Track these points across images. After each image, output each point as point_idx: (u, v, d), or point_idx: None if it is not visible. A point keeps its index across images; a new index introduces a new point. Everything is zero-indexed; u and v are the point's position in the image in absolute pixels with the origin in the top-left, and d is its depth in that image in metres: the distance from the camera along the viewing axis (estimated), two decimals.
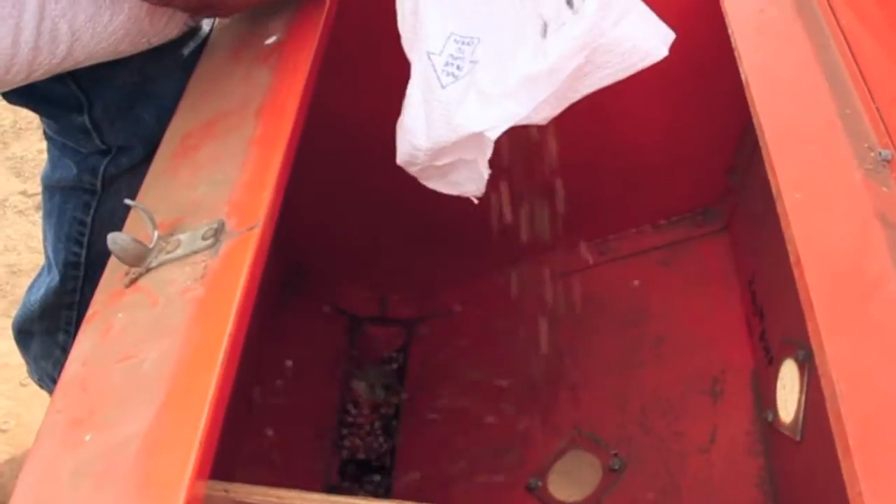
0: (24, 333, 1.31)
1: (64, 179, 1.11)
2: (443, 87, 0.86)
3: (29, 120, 2.32)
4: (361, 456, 1.33)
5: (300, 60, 0.90)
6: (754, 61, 0.82)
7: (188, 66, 0.99)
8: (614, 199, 1.34)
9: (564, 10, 0.83)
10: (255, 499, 0.77)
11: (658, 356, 1.30)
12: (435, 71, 0.86)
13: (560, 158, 1.17)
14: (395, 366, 1.43)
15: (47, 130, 1.12)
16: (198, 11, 0.96)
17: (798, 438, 1.01)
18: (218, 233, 0.74)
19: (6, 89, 0.90)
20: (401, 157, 0.90)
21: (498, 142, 0.86)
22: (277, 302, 1.29)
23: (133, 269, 0.75)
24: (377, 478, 1.31)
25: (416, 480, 1.29)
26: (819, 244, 0.67)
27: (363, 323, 1.45)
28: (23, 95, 0.97)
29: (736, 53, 0.84)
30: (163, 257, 0.75)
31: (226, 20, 1.03)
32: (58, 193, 1.14)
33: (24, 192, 2.16)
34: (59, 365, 1.26)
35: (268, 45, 0.95)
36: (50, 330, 1.26)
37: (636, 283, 1.36)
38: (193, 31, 1.02)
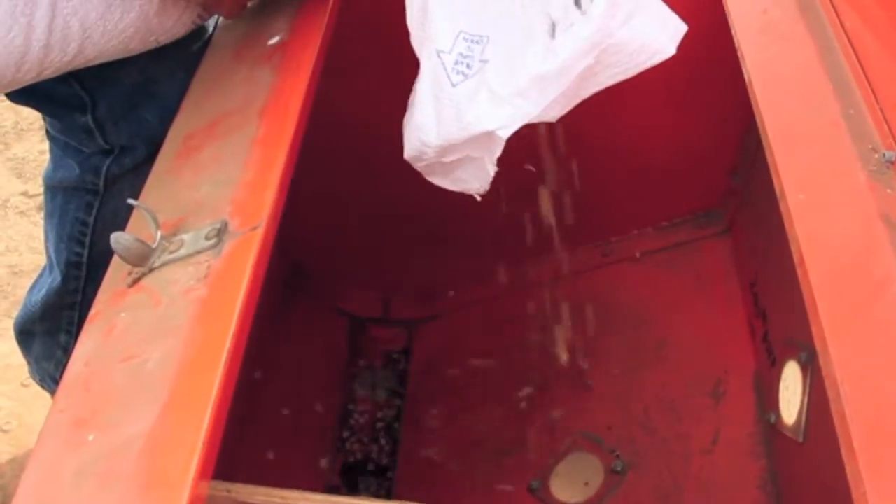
0: (26, 334, 1.30)
1: (66, 179, 1.11)
2: (453, 85, 0.86)
3: (30, 121, 2.32)
4: (363, 457, 1.33)
5: (303, 60, 0.90)
6: (758, 62, 0.82)
7: (191, 67, 0.99)
8: (616, 200, 1.34)
9: (573, 10, 0.84)
10: (257, 499, 0.77)
11: (660, 358, 1.30)
12: (445, 69, 0.87)
13: (563, 160, 1.17)
14: (397, 367, 1.42)
15: (50, 130, 1.12)
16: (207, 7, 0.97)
17: (801, 440, 1.01)
18: (221, 233, 0.74)
19: (17, 87, 0.90)
20: (409, 153, 0.91)
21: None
22: (279, 303, 1.29)
23: (136, 269, 0.75)
24: (378, 479, 1.31)
25: (418, 482, 1.28)
26: (823, 245, 0.66)
27: (365, 324, 1.45)
28: (26, 95, 0.97)
29: (739, 54, 0.84)
30: (166, 257, 0.75)
31: (229, 20, 1.03)
32: (60, 193, 1.13)
33: (25, 193, 2.16)
34: (61, 365, 1.27)
35: (271, 45, 0.95)
36: (51, 330, 1.26)
37: (638, 284, 1.36)
38: (196, 31, 1.02)
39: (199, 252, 0.73)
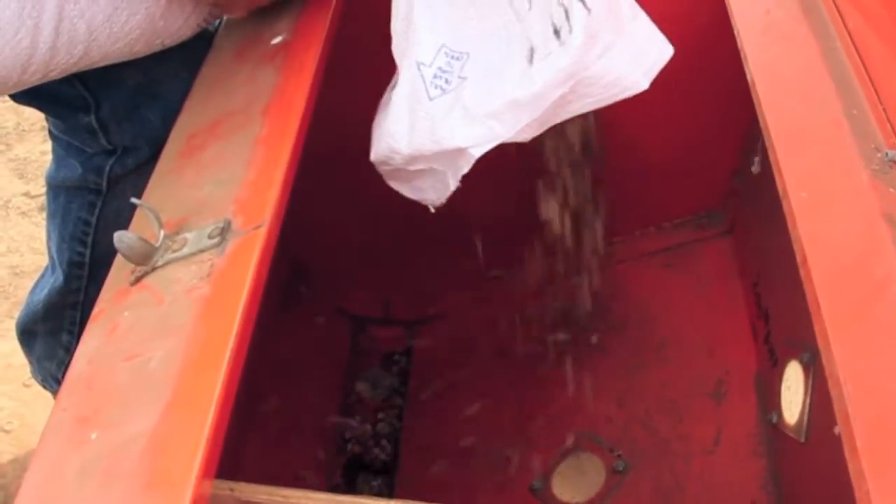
0: (28, 334, 1.31)
1: (69, 179, 1.11)
2: (430, 98, 0.88)
3: (32, 122, 2.32)
4: (364, 456, 1.33)
5: (306, 60, 0.90)
6: (760, 62, 0.82)
7: (194, 67, 0.99)
8: (618, 201, 1.34)
9: (552, 40, 0.86)
10: (260, 498, 0.77)
11: (662, 358, 1.30)
12: (424, 82, 0.89)
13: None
14: (398, 367, 1.43)
15: (53, 130, 1.12)
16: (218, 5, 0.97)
17: (802, 440, 1.01)
18: (224, 232, 0.74)
19: (22, 88, 0.91)
20: (375, 156, 0.93)
21: (503, 144, 0.88)
22: (281, 302, 1.29)
23: (139, 268, 0.75)
24: (380, 478, 1.31)
25: (419, 481, 1.28)
26: (825, 244, 0.66)
27: (366, 324, 1.45)
28: (30, 95, 0.98)
29: (742, 55, 0.84)
30: (169, 256, 0.75)
31: (232, 20, 1.03)
32: (62, 193, 1.14)
33: (27, 194, 2.17)
34: (63, 365, 1.27)
35: (274, 45, 0.95)
36: (53, 330, 1.26)
37: (640, 285, 1.36)
38: (200, 32, 1.02)
39: (202, 251, 0.74)
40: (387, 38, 0.93)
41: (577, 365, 1.30)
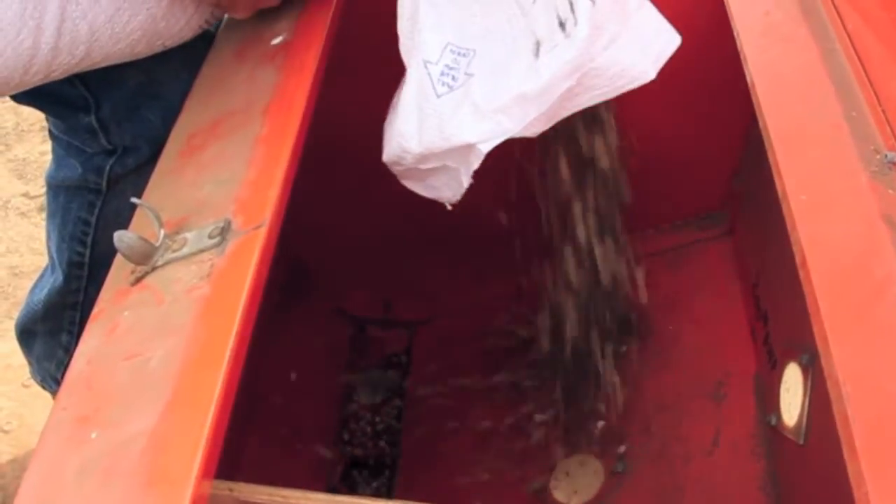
0: (28, 334, 1.31)
1: (69, 179, 1.12)
2: (438, 96, 0.88)
3: (31, 122, 2.32)
4: (364, 457, 1.33)
5: (306, 60, 0.90)
6: (760, 64, 0.82)
7: (194, 68, 0.99)
8: None
9: (557, 32, 0.86)
10: (259, 498, 0.77)
11: (661, 359, 1.30)
12: (431, 80, 0.89)
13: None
14: (397, 368, 1.43)
15: (53, 130, 1.12)
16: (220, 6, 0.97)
17: (801, 442, 1.01)
18: (224, 231, 0.74)
19: (24, 89, 0.91)
20: (387, 157, 0.93)
21: (505, 144, 0.88)
22: (281, 303, 1.29)
23: (139, 268, 0.75)
24: (379, 479, 1.31)
25: (418, 482, 1.28)
26: (825, 245, 0.67)
27: (366, 324, 1.46)
28: (30, 95, 0.98)
29: (742, 56, 0.84)
30: (169, 256, 0.75)
31: (233, 20, 1.03)
32: (62, 193, 1.14)
33: (26, 194, 2.17)
34: (62, 365, 1.28)
35: (274, 44, 0.95)
36: (53, 330, 1.26)
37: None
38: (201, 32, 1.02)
39: (202, 251, 0.74)
40: (387, 38, 0.94)
41: (578, 366, 1.30)
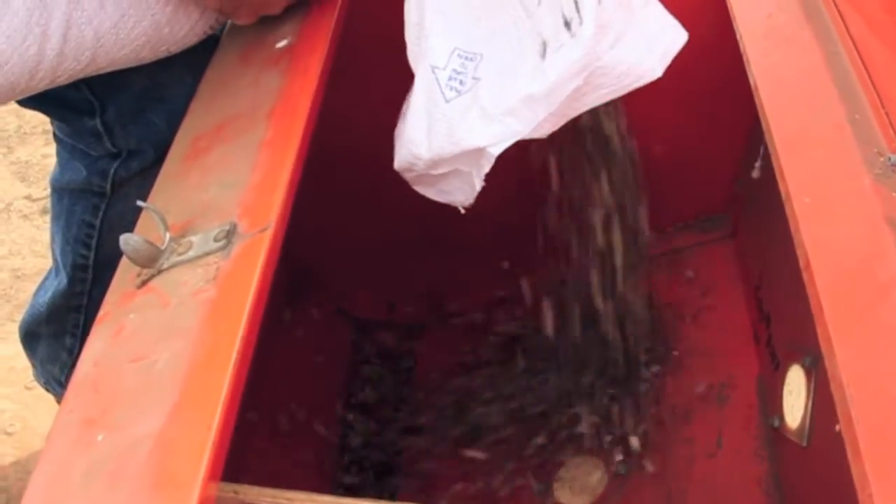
0: (31, 336, 1.31)
1: (73, 182, 1.12)
2: (446, 101, 0.89)
3: (34, 125, 2.32)
4: (367, 458, 1.33)
5: (311, 64, 0.90)
6: (763, 66, 0.82)
7: (199, 71, 0.99)
8: None
9: (562, 32, 0.86)
10: (264, 500, 0.77)
11: (664, 362, 1.30)
12: (439, 85, 0.89)
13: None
14: (401, 370, 1.43)
15: (58, 133, 1.12)
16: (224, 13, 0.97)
17: (804, 444, 1.01)
18: (230, 234, 0.74)
19: (30, 94, 0.91)
20: (399, 164, 0.93)
21: (505, 149, 0.88)
22: (284, 305, 1.29)
23: (145, 271, 0.75)
24: (383, 480, 1.31)
25: (422, 484, 1.29)
26: (828, 248, 0.67)
27: (369, 326, 1.46)
28: (35, 99, 0.98)
29: (744, 59, 0.84)
30: (174, 259, 0.75)
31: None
32: (66, 196, 1.14)
33: (28, 197, 2.17)
34: (66, 368, 1.28)
35: (278, 48, 0.95)
36: (57, 333, 1.26)
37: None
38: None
39: (207, 254, 0.74)
40: (390, 41, 0.94)
41: (580, 368, 1.30)
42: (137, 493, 0.59)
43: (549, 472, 1.26)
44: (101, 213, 1.12)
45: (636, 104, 1.03)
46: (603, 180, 1.15)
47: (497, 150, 0.87)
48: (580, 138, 1.11)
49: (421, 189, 0.96)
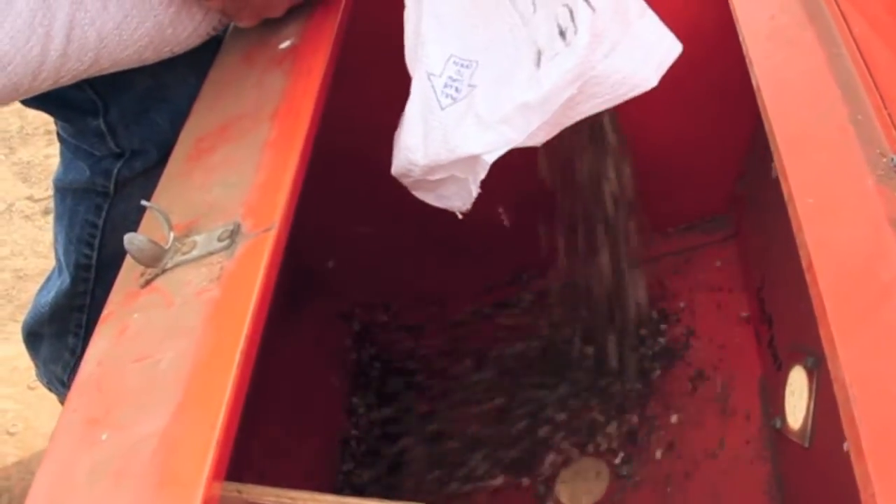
0: (34, 336, 1.31)
1: (76, 181, 1.12)
2: (442, 108, 0.89)
3: (36, 125, 2.32)
4: (369, 459, 1.33)
5: (314, 64, 0.91)
6: (765, 67, 0.82)
7: (203, 72, 1.00)
8: None
9: (557, 41, 0.86)
10: (267, 500, 0.77)
11: (666, 362, 1.30)
12: (434, 92, 0.90)
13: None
14: (402, 371, 1.43)
15: (61, 133, 1.12)
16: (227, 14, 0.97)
17: (806, 445, 1.01)
18: (234, 234, 0.74)
19: (33, 95, 0.91)
20: (396, 170, 0.94)
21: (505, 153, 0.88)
22: (286, 306, 1.29)
23: (148, 270, 0.75)
24: (384, 481, 1.31)
25: (424, 484, 1.29)
26: (831, 249, 0.67)
27: (370, 328, 1.46)
28: (39, 99, 0.98)
29: (747, 60, 0.84)
30: (178, 258, 0.75)
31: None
32: (69, 195, 1.14)
33: (30, 198, 2.17)
34: (69, 368, 1.28)
35: (282, 49, 0.95)
36: (60, 333, 1.26)
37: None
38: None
39: (211, 253, 0.74)
40: (394, 42, 0.94)
41: (582, 370, 1.30)
42: (141, 492, 0.59)
43: (551, 473, 1.26)
44: (104, 213, 1.12)
45: (637, 105, 1.03)
46: (601, 180, 1.15)
47: (492, 158, 0.88)
48: (579, 139, 1.11)
49: (419, 194, 0.97)
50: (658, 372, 1.30)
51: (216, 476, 0.59)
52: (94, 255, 1.16)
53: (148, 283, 0.75)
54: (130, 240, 0.73)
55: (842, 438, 0.57)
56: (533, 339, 1.37)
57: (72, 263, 1.17)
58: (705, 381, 1.26)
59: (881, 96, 0.76)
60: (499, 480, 1.27)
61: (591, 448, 1.26)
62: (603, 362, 1.28)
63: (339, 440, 1.34)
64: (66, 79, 0.91)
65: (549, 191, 1.15)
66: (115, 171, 1.09)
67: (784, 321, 1.15)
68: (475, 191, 0.91)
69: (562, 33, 0.86)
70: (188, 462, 0.60)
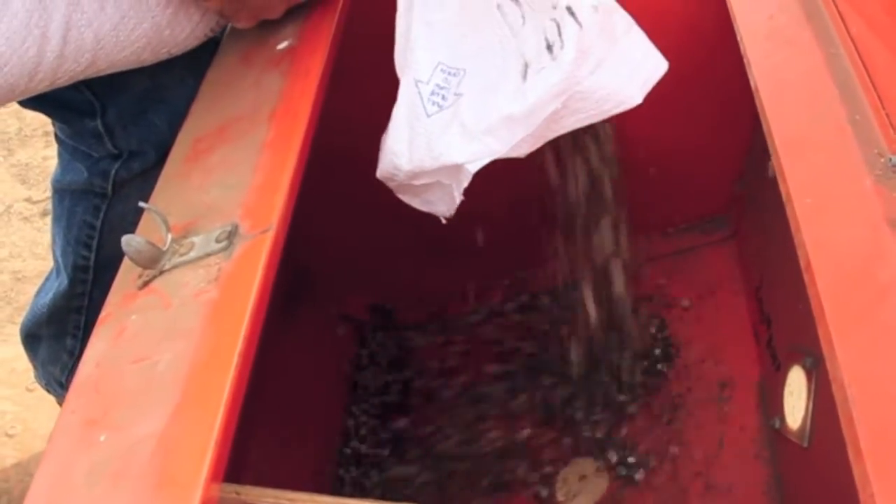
0: (32, 337, 1.31)
1: (74, 183, 1.12)
2: (428, 115, 0.90)
3: (34, 127, 2.32)
4: (368, 459, 1.33)
5: (312, 65, 0.91)
6: (763, 67, 0.82)
7: (200, 73, 1.00)
8: None
9: (544, 54, 0.87)
10: (266, 501, 0.77)
11: (665, 363, 1.30)
12: (421, 99, 0.90)
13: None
14: (401, 373, 1.43)
15: (59, 134, 1.12)
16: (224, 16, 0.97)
17: (805, 445, 1.01)
18: (231, 235, 0.74)
19: (29, 96, 0.91)
20: (381, 173, 0.95)
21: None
22: (284, 307, 1.29)
23: (146, 272, 0.75)
24: (383, 482, 1.31)
25: (423, 485, 1.29)
26: (829, 249, 0.67)
27: (369, 329, 1.46)
28: (36, 100, 0.98)
29: (745, 60, 0.84)
30: (176, 260, 0.75)
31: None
32: (67, 197, 1.14)
33: (28, 199, 2.17)
34: (67, 369, 1.28)
35: (279, 50, 0.95)
36: (58, 334, 1.26)
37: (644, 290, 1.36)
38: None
39: (209, 255, 0.74)
40: (391, 44, 0.94)
41: (581, 370, 1.30)
42: (140, 493, 0.59)
43: (551, 473, 1.26)
44: (102, 214, 1.12)
45: (637, 107, 1.03)
46: (597, 183, 1.15)
47: (475, 168, 0.88)
48: (575, 142, 1.12)
49: (405, 198, 0.98)
50: (656, 373, 1.29)
51: (214, 477, 0.59)
52: (92, 256, 1.15)
53: (146, 284, 0.75)
54: (128, 241, 0.73)
55: (840, 439, 0.57)
56: (531, 340, 1.37)
57: (70, 265, 1.17)
58: (704, 381, 1.26)
59: (879, 96, 0.76)
60: (499, 481, 1.27)
61: (590, 448, 1.26)
62: (602, 363, 1.28)
63: (337, 441, 1.33)
64: (63, 80, 0.91)
65: (548, 191, 1.15)
66: (113, 172, 1.09)
67: (783, 321, 1.15)
68: (458, 198, 0.92)
69: (549, 47, 0.87)
70: (186, 463, 0.59)
